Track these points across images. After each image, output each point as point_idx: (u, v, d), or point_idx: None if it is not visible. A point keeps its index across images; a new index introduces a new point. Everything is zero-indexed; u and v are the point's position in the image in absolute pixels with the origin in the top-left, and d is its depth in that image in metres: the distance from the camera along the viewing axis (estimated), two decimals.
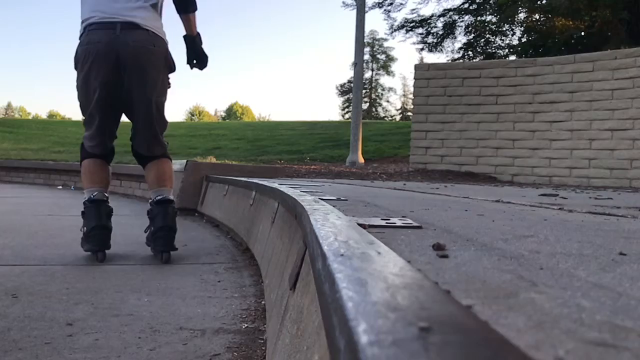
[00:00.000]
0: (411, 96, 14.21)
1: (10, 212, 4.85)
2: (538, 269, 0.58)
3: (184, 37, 2.83)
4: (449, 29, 18.79)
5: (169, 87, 2.77)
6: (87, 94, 2.58)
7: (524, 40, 18.30)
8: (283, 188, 2.21)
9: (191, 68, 2.92)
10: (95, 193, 2.74)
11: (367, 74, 52.76)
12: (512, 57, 17.39)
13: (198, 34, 2.83)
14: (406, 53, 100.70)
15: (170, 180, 2.83)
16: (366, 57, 45.71)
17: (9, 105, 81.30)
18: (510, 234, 0.94)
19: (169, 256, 2.57)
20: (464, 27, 18.82)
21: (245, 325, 1.63)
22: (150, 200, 2.78)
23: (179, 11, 2.72)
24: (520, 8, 16.95)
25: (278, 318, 1.22)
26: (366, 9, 12.74)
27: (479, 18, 18.64)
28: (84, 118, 2.76)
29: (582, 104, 7.63)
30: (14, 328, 1.48)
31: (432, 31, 18.99)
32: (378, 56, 54.60)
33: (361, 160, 10.35)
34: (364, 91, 24.93)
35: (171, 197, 2.71)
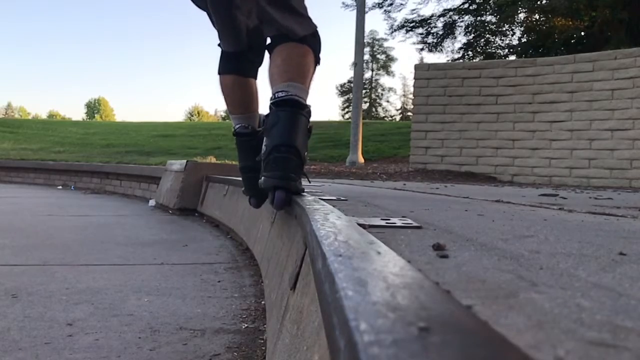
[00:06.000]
0: (411, 96, 14.22)
1: (10, 212, 4.85)
2: (538, 269, 0.58)
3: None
4: (449, 29, 18.80)
5: None
6: None
7: (524, 40, 18.31)
8: None
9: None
10: (238, 125, 1.94)
11: (367, 74, 52.79)
12: (512, 57, 17.40)
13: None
14: (406, 53, 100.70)
15: (305, 75, 1.67)
16: (366, 57, 45.72)
17: (9, 105, 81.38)
18: (510, 234, 0.94)
19: (284, 198, 1.46)
20: (463, 27, 18.84)
21: (245, 325, 1.63)
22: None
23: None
24: (520, 8, 16.95)
25: (278, 318, 1.22)
26: (366, 9, 12.74)
27: (478, 18, 18.65)
28: None
29: (582, 104, 7.62)
30: (14, 328, 1.48)
31: (432, 31, 19.00)
32: (378, 56, 54.62)
33: (361, 160, 10.35)
34: (364, 91, 24.94)
35: (302, 98, 1.58)
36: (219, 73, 1.94)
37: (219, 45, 1.90)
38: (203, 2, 1.81)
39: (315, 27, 1.77)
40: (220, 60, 1.93)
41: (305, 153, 1.54)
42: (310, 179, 1.84)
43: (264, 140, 1.56)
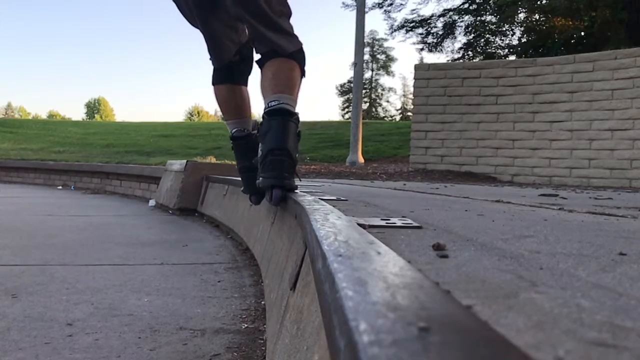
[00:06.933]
0: (411, 96, 14.21)
1: (10, 212, 4.85)
2: (538, 269, 0.58)
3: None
4: (449, 29, 18.79)
5: None
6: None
7: (524, 40, 18.30)
8: None
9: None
10: (234, 130, 2.13)
11: (367, 74, 52.78)
12: (512, 57, 17.39)
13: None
14: (406, 53, 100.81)
15: (293, 87, 1.87)
16: (366, 57, 45.71)
17: (9, 105, 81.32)
18: (510, 234, 0.94)
19: (280, 195, 1.68)
20: (464, 27, 18.82)
21: (245, 325, 1.63)
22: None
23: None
24: (520, 8, 16.94)
25: (278, 318, 1.22)
26: (366, 9, 12.74)
27: (478, 18, 18.64)
28: None
29: (582, 104, 7.62)
30: (14, 328, 1.48)
31: (432, 31, 18.99)
32: (378, 56, 54.61)
33: (361, 160, 10.35)
34: (364, 91, 24.93)
35: (291, 107, 1.79)
36: (213, 84, 2.14)
37: (210, 59, 2.10)
38: (196, 21, 1.99)
39: (301, 44, 1.96)
40: (213, 72, 2.13)
41: (297, 154, 1.76)
42: (301, 178, 2.06)
43: (260, 145, 1.77)
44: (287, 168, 1.69)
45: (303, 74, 1.93)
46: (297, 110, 1.83)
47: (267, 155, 1.69)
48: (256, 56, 1.97)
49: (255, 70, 2.03)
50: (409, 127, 10.17)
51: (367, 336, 0.29)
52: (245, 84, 2.15)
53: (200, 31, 2.04)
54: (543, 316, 0.38)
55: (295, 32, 1.99)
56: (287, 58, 1.88)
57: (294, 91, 1.85)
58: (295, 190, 1.72)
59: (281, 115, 1.74)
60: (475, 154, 8.41)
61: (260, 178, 1.72)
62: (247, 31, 2.01)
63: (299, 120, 1.80)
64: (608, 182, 7.29)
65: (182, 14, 2.04)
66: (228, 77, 2.11)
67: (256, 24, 1.85)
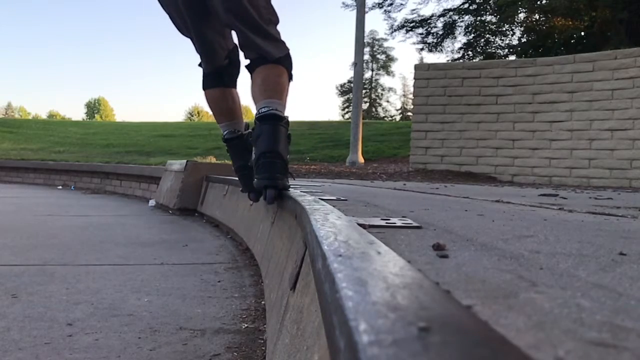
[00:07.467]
0: (411, 96, 14.21)
1: (10, 212, 4.85)
2: (538, 269, 0.58)
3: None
4: (449, 29, 18.79)
5: None
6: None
7: (524, 40, 18.30)
8: None
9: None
10: (226, 132, 2.24)
11: (367, 74, 52.78)
12: (512, 57, 17.39)
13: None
14: (406, 53, 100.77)
15: (282, 92, 1.96)
16: (366, 57, 45.72)
17: (9, 105, 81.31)
18: (510, 234, 0.94)
19: (274, 195, 1.80)
20: (464, 27, 18.83)
21: (245, 325, 1.63)
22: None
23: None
24: (520, 8, 16.94)
25: (278, 318, 1.22)
26: (366, 9, 12.74)
27: (478, 18, 18.64)
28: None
29: (582, 104, 7.62)
30: (14, 328, 1.48)
31: (432, 31, 19.00)
32: (378, 56, 54.61)
33: (361, 160, 10.35)
34: (364, 91, 24.93)
35: (280, 111, 1.89)
36: (204, 88, 2.23)
37: (199, 65, 2.19)
38: (187, 30, 2.08)
39: (288, 49, 2.05)
40: (204, 77, 2.23)
41: (287, 155, 1.87)
42: (295, 177, 2.20)
43: (253, 149, 1.88)
44: (278, 169, 1.81)
45: (290, 78, 2.04)
46: (287, 113, 1.94)
47: (260, 158, 1.82)
48: (245, 61, 2.07)
49: (244, 73, 2.14)
50: (409, 127, 10.17)
51: (367, 336, 0.29)
52: (235, 86, 2.25)
53: (192, 40, 2.13)
54: (543, 316, 0.38)
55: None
56: (275, 64, 1.98)
57: (282, 96, 1.96)
58: (289, 189, 1.83)
59: (271, 120, 1.86)
60: (475, 154, 8.41)
61: (255, 179, 1.86)
62: (234, 37, 2.11)
63: (288, 124, 1.91)
64: (608, 182, 7.29)
65: (174, 24, 2.13)
66: (218, 81, 2.21)
67: (246, 31, 1.95)
